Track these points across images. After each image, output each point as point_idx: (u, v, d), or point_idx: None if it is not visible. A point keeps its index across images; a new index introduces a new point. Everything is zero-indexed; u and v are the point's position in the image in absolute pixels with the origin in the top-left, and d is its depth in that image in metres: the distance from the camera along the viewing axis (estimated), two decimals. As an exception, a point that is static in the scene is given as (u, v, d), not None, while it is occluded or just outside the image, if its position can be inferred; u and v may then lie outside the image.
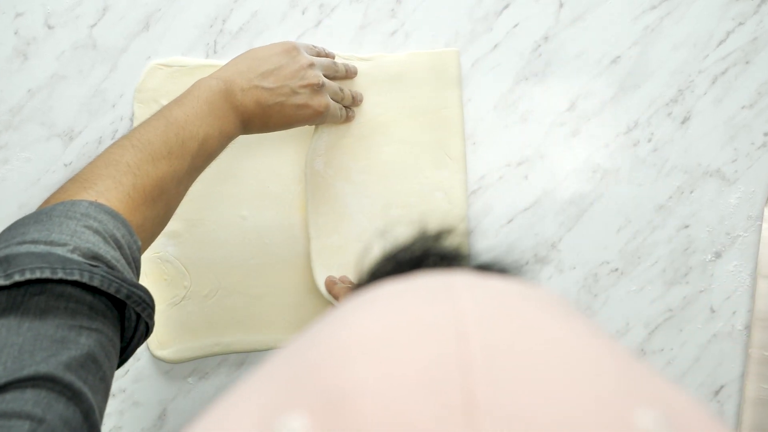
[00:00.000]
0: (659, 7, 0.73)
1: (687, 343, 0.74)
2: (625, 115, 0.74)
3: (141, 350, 0.74)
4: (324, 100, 0.65)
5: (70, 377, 0.38)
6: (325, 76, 0.66)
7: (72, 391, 0.38)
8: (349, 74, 0.71)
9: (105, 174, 0.49)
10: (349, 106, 0.71)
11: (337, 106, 0.69)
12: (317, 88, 0.64)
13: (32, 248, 0.41)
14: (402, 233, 0.29)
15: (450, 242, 0.28)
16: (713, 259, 0.74)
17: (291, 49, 0.64)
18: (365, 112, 0.73)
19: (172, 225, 0.73)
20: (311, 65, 0.64)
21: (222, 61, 0.73)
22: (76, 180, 0.48)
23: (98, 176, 0.48)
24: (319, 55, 0.69)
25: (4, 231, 0.44)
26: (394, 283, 0.24)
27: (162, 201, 0.51)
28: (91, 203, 0.46)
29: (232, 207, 0.73)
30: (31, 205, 0.74)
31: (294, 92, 0.62)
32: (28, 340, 0.38)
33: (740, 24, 0.73)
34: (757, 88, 0.73)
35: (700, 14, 0.73)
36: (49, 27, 0.73)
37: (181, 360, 0.73)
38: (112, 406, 0.75)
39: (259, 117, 0.60)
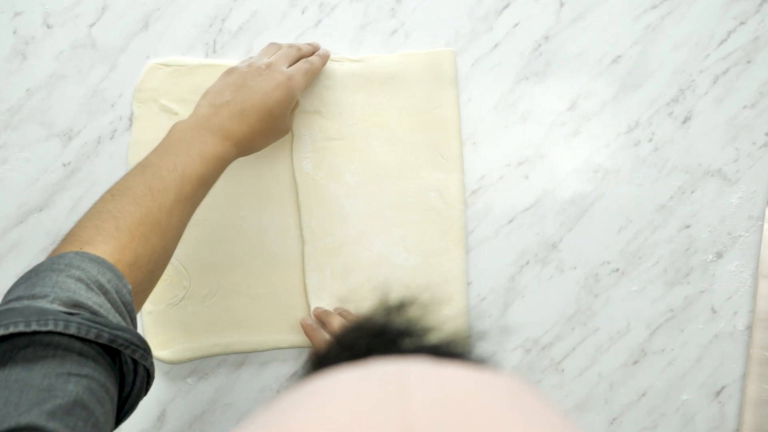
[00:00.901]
0: (660, 7, 0.73)
1: (688, 343, 0.74)
2: (625, 114, 0.74)
3: (140, 351, 0.74)
4: (281, 70, 0.63)
5: (54, 425, 0.37)
6: (294, 61, 0.66)
7: None
8: (314, 48, 0.70)
9: (88, 225, 0.50)
10: (313, 53, 0.69)
11: (303, 65, 0.66)
12: (267, 67, 0.63)
13: (14, 305, 0.42)
14: (367, 302, 0.29)
15: (411, 314, 0.27)
16: (714, 259, 0.74)
17: (230, 70, 0.64)
18: (358, 114, 0.73)
19: (172, 225, 0.73)
20: (251, 64, 0.64)
21: (221, 61, 0.73)
22: (64, 238, 0.50)
23: (82, 228, 0.50)
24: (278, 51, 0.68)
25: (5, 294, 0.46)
26: (345, 374, 0.23)
27: (155, 234, 0.51)
28: (76, 253, 0.47)
29: (232, 207, 0.73)
30: (30, 205, 0.73)
31: (252, 85, 0.61)
32: (14, 392, 0.38)
33: (741, 23, 0.73)
34: (759, 88, 0.73)
35: (701, 13, 0.73)
36: (48, 26, 0.73)
37: (180, 360, 0.73)
38: (111, 406, 0.75)
39: (237, 122, 0.59)
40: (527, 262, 0.74)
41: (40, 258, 0.73)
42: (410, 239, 0.73)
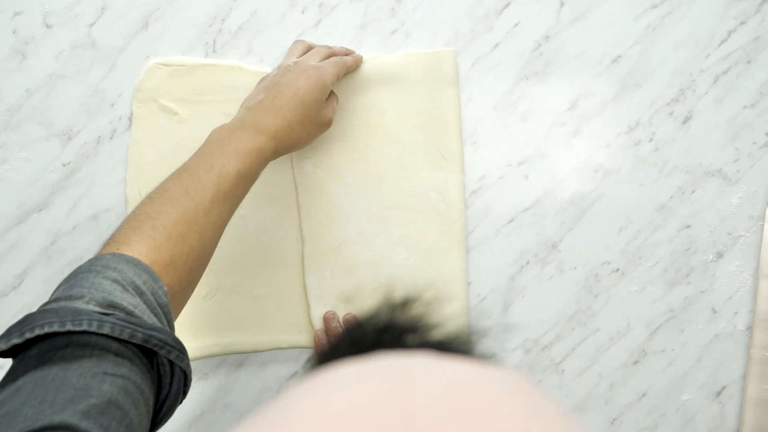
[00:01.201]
0: (660, 6, 0.73)
1: (688, 343, 0.74)
2: (626, 114, 0.74)
3: (140, 351, 0.74)
4: (309, 64, 0.64)
5: (86, 425, 0.38)
6: (325, 58, 0.67)
7: None
8: (348, 51, 0.71)
9: (126, 227, 0.51)
10: (346, 54, 0.70)
11: (333, 59, 0.67)
12: (295, 64, 0.64)
13: (51, 306, 0.43)
14: (367, 302, 0.29)
15: (415, 311, 0.28)
16: (715, 259, 0.74)
17: (263, 77, 0.66)
18: (359, 114, 0.72)
19: (171, 225, 0.73)
20: (280, 66, 0.65)
21: (221, 61, 0.73)
22: (104, 242, 0.51)
23: (119, 231, 0.51)
24: (307, 51, 0.69)
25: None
26: (351, 367, 0.24)
27: (193, 234, 0.52)
28: (113, 255, 0.47)
29: (232, 207, 0.73)
30: (30, 205, 0.73)
31: (281, 82, 0.62)
32: (50, 390, 0.39)
33: (742, 23, 0.73)
34: (759, 88, 0.73)
35: (701, 13, 0.73)
36: (48, 26, 0.73)
37: (180, 361, 0.73)
38: (110, 406, 0.75)
39: (271, 116, 0.60)
40: (527, 262, 0.74)
41: (40, 258, 0.73)
42: (410, 239, 0.73)
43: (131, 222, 0.51)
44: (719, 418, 0.74)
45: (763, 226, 0.73)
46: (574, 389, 0.74)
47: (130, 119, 0.73)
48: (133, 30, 0.73)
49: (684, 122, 0.74)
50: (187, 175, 0.54)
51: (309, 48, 0.69)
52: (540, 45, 0.73)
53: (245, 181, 0.57)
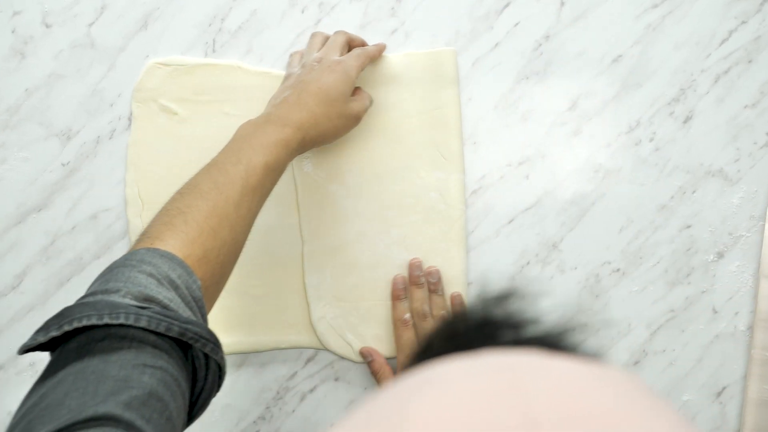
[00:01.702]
0: (661, 6, 0.73)
1: (689, 344, 0.74)
2: (626, 114, 0.73)
3: (139, 351, 0.74)
4: (332, 58, 0.64)
5: (130, 415, 0.38)
6: (344, 47, 0.68)
7: (134, 428, 0.38)
8: (364, 43, 0.71)
9: (158, 222, 0.51)
10: (362, 41, 0.70)
11: (355, 50, 0.67)
12: (318, 61, 0.64)
13: (88, 299, 0.44)
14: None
15: (511, 306, 0.27)
16: (715, 259, 0.73)
17: (287, 76, 0.66)
18: (363, 112, 0.72)
19: (171, 225, 0.73)
20: (303, 64, 0.66)
21: (221, 60, 0.73)
22: (138, 237, 0.51)
23: (152, 226, 0.51)
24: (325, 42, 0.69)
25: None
26: (458, 363, 0.23)
27: (224, 227, 0.52)
28: (147, 250, 0.48)
29: (231, 207, 0.73)
30: (29, 205, 0.73)
31: (306, 79, 0.63)
32: (91, 382, 0.39)
33: (743, 23, 0.73)
34: (760, 88, 0.73)
35: (702, 13, 0.73)
36: (47, 26, 0.73)
37: (179, 361, 0.73)
38: (110, 407, 0.75)
39: (296, 110, 0.60)
40: (528, 263, 0.74)
41: (39, 258, 0.73)
42: (410, 239, 0.73)
43: (163, 217, 0.52)
44: (720, 419, 0.74)
45: (763, 226, 0.73)
46: (574, 389, 0.74)
47: (130, 119, 0.73)
48: (132, 29, 0.73)
49: (685, 122, 0.73)
50: (216, 170, 0.55)
51: (327, 38, 0.69)
52: (540, 45, 0.73)
53: (273, 173, 0.58)
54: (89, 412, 0.38)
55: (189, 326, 0.44)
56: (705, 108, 0.73)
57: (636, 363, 0.74)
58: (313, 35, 0.69)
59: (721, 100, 0.73)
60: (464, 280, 0.73)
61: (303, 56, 0.68)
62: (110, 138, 0.73)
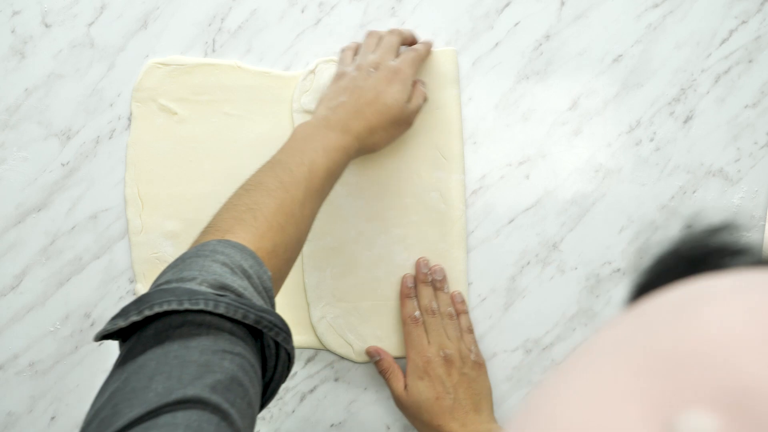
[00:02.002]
0: (662, 5, 0.73)
1: (690, 344, 0.73)
2: (627, 114, 0.73)
3: (139, 351, 0.74)
4: (389, 66, 0.65)
5: (216, 399, 0.39)
6: (398, 49, 0.68)
7: (221, 411, 0.39)
8: (415, 38, 0.71)
9: (227, 216, 0.52)
10: (413, 38, 0.70)
11: (409, 55, 0.68)
12: (375, 68, 0.65)
13: (165, 287, 0.45)
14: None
15: (725, 238, 0.26)
16: (716, 259, 0.73)
17: (340, 74, 0.67)
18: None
19: (171, 225, 0.73)
20: (359, 66, 0.66)
21: (220, 60, 0.73)
22: (202, 231, 0.52)
23: (221, 220, 0.52)
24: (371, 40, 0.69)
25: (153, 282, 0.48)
26: (725, 280, 0.22)
27: (291, 225, 0.54)
28: (219, 241, 0.49)
29: (231, 207, 0.73)
30: (28, 205, 0.73)
31: (363, 86, 0.64)
32: (175, 367, 0.40)
33: (743, 22, 0.73)
34: (761, 87, 0.73)
35: (702, 12, 0.73)
36: (46, 25, 0.73)
37: (179, 361, 0.73)
38: (109, 407, 0.74)
39: (354, 118, 0.62)
40: (528, 263, 0.74)
41: (39, 258, 0.73)
42: (410, 239, 0.73)
43: (231, 212, 0.53)
44: None
45: (764, 226, 0.73)
46: (574, 390, 0.74)
47: (129, 119, 0.73)
48: (132, 29, 0.73)
49: (685, 122, 0.73)
50: (280, 169, 0.56)
51: (380, 38, 0.69)
52: (541, 44, 0.73)
53: (332, 178, 0.59)
54: (177, 394, 0.38)
55: (264, 315, 0.45)
56: (706, 108, 0.73)
57: (636, 363, 0.74)
58: (369, 35, 0.69)
59: (722, 99, 0.73)
60: (464, 280, 0.73)
61: (357, 56, 0.68)
62: (110, 138, 0.73)
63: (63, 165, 0.73)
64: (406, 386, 0.68)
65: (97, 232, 0.73)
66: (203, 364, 0.41)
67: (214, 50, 0.73)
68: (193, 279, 0.45)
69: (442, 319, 0.70)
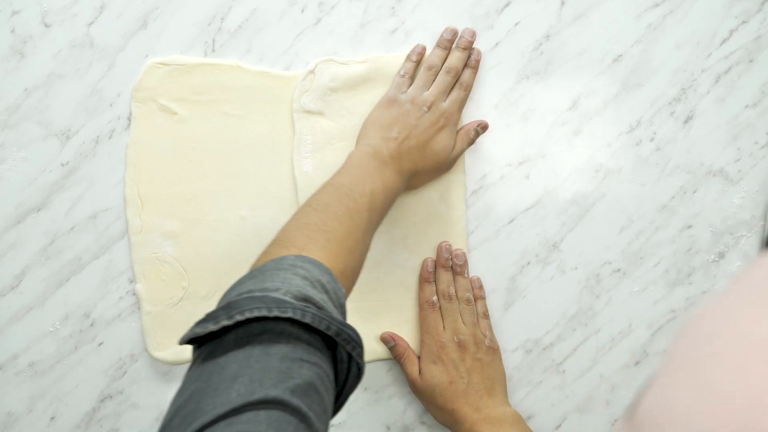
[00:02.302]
0: (662, 5, 0.73)
1: (690, 344, 0.73)
2: (627, 114, 0.73)
3: (139, 351, 0.74)
4: (441, 109, 0.67)
5: (296, 401, 0.41)
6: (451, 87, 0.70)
7: (300, 414, 0.41)
8: (467, 52, 0.71)
9: (299, 235, 0.55)
10: (466, 61, 0.71)
11: (458, 96, 0.69)
12: (429, 108, 0.67)
13: (250, 295, 0.46)
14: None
15: None
16: (716, 259, 0.73)
17: (392, 101, 0.68)
18: (362, 114, 0.72)
19: (170, 225, 0.72)
20: (413, 100, 0.68)
21: (220, 60, 0.73)
22: (274, 243, 0.55)
23: (294, 237, 0.55)
24: (422, 66, 0.70)
25: (225, 292, 0.50)
26: None
27: (356, 251, 0.57)
28: (296, 256, 0.51)
29: (231, 207, 0.73)
30: (28, 205, 0.73)
31: (416, 125, 0.66)
32: (256, 371, 0.42)
33: (743, 22, 0.73)
34: (761, 87, 0.73)
35: (703, 12, 0.73)
36: (46, 25, 0.72)
37: (179, 362, 0.73)
38: (109, 408, 0.74)
39: (407, 159, 0.65)
40: (528, 263, 0.74)
41: (38, 258, 0.73)
42: (411, 239, 0.72)
43: (303, 230, 0.55)
44: None
45: (764, 226, 0.73)
46: (575, 390, 0.74)
47: (129, 119, 0.73)
48: (131, 29, 0.73)
49: (685, 122, 0.73)
50: (345, 195, 0.59)
51: (436, 72, 0.70)
52: (541, 44, 0.73)
53: (383, 214, 0.62)
54: (260, 395, 0.40)
55: (344, 328, 0.46)
56: (706, 108, 0.73)
57: (637, 363, 0.74)
58: (427, 68, 0.69)
59: (722, 99, 0.73)
60: (464, 281, 0.73)
61: (413, 87, 0.69)
62: (109, 138, 0.73)
63: (63, 165, 0.73)
64: (420, 371, 0.69)
65: (96, 232, 0.73)
66: (283, 370, 0.42)
67: (214, 50, 0.73)
68: (277, 290, 0.46)
69: (459, 304, 0.71)
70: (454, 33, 0.71)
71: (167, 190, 0.73)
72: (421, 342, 0.71)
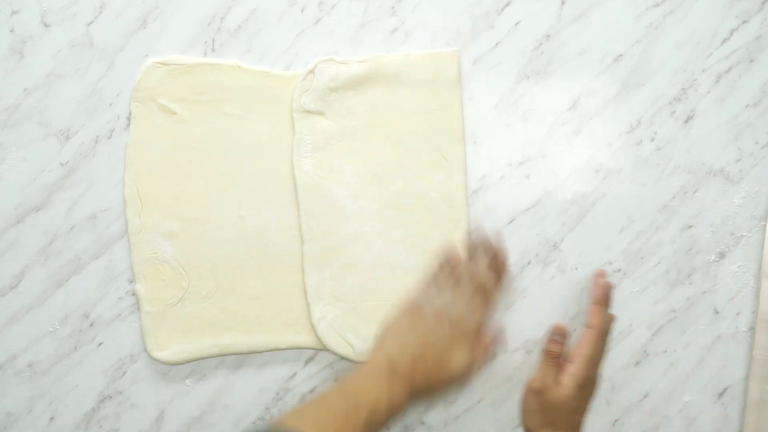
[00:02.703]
0: (662, 5, 0.73)
1: (690, 344, 0.73)
2: (627, 113, 0.73)
3: (139, 351, 0.74)
4: (464, 328, 0.63)
5: None
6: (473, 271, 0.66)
7: None
8: (497, 271, 0.67)
9: (294, 417, 0.56)
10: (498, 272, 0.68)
11: (482, 308, 0.65)
12: (451, 323, 0.63)
13: None
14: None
15: None
16: (717, 259, 0.73)
17: (413, 308, 0.64)
18: (361, 114, 0.72)
19: (170, 225, 0.72)
20: (437, 312, 0.64)
21: (220, 60, 0.73)
22: (295, 417, 0.57)
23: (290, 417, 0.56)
24: (449, 262, 0.67)
25: None
26: None
27: None
28: None
29: (231, 207, 0.73)
30: (28, 205, 0.73)
31: (435, 339, 0.62)
32: None
33: (744, 22, 0.73)
34: (761, 87, 0.73)
35: (703, 12, 0.73)
36: (46, 25, 0.72)
37: (178, 362, 0.73)
38: (108, 408, 0.74)
39: (420, 375, 0.62)
40: (528, 263, 0.74)
41: (38, 258, 0.73)
42: (411, 239, 0.72)
43: (297, 416, 0.57)
44: (721, 420, 0.73)
45: (765, 226, 0.73)
46: (575, 390, 0.74)
47: (129, 119, 0.73)
48: (131, 29, 0.73)
49: (686, 122, 0.73)
50: (350, 400, 0.59)
51: (459, 279, 0.66)
52: (541, 44, 0.73)
53: (383, 428, 0.61)
54: None
55: None
56: (706, 107, 0.73)
57: (637, 364, 0.74)
58: (451, 273, 0.66)
59: (723, 99, 0.73)
60: (464, 281, 0.73)
61: (436, 294, 0.65)
62: (109, 138, 0.73)
63: (62, 165, 0.73)
64: (561, 383, 0.67)
65: (96, 232, 0.73)
66: None
67: (213, 50, 0.73)
68: None
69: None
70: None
71: (167, 190, 0.73)
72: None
